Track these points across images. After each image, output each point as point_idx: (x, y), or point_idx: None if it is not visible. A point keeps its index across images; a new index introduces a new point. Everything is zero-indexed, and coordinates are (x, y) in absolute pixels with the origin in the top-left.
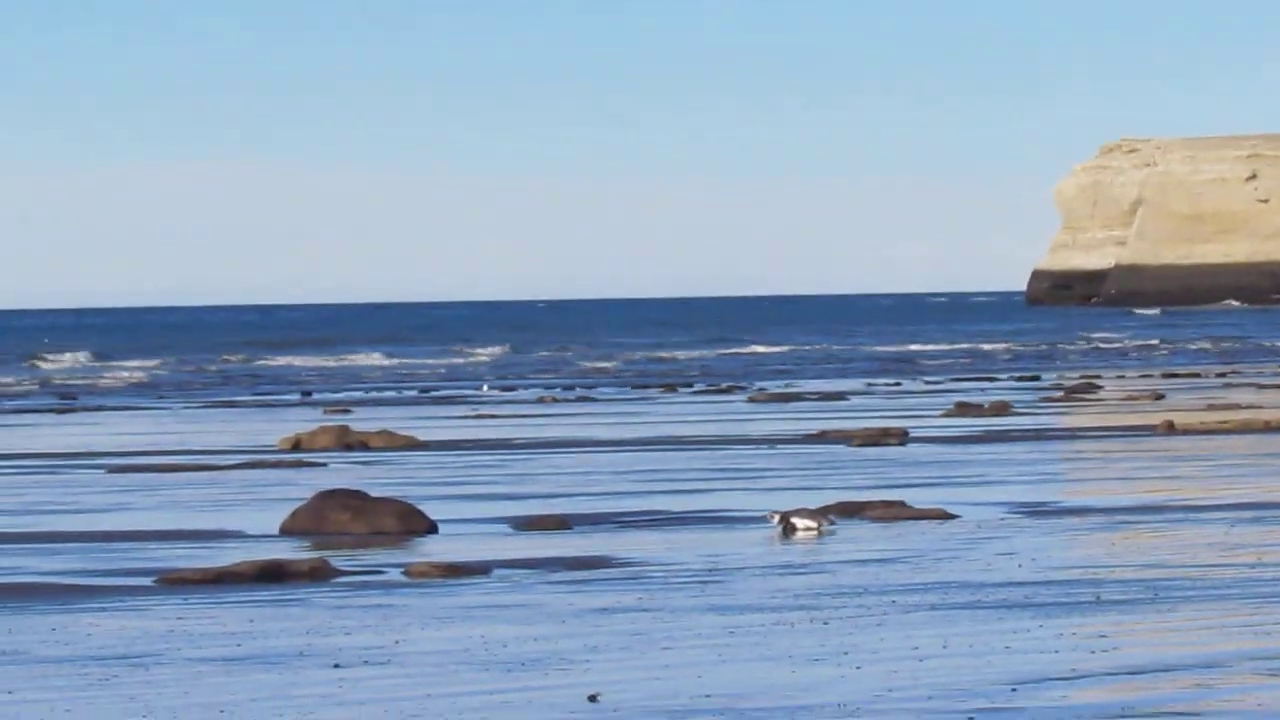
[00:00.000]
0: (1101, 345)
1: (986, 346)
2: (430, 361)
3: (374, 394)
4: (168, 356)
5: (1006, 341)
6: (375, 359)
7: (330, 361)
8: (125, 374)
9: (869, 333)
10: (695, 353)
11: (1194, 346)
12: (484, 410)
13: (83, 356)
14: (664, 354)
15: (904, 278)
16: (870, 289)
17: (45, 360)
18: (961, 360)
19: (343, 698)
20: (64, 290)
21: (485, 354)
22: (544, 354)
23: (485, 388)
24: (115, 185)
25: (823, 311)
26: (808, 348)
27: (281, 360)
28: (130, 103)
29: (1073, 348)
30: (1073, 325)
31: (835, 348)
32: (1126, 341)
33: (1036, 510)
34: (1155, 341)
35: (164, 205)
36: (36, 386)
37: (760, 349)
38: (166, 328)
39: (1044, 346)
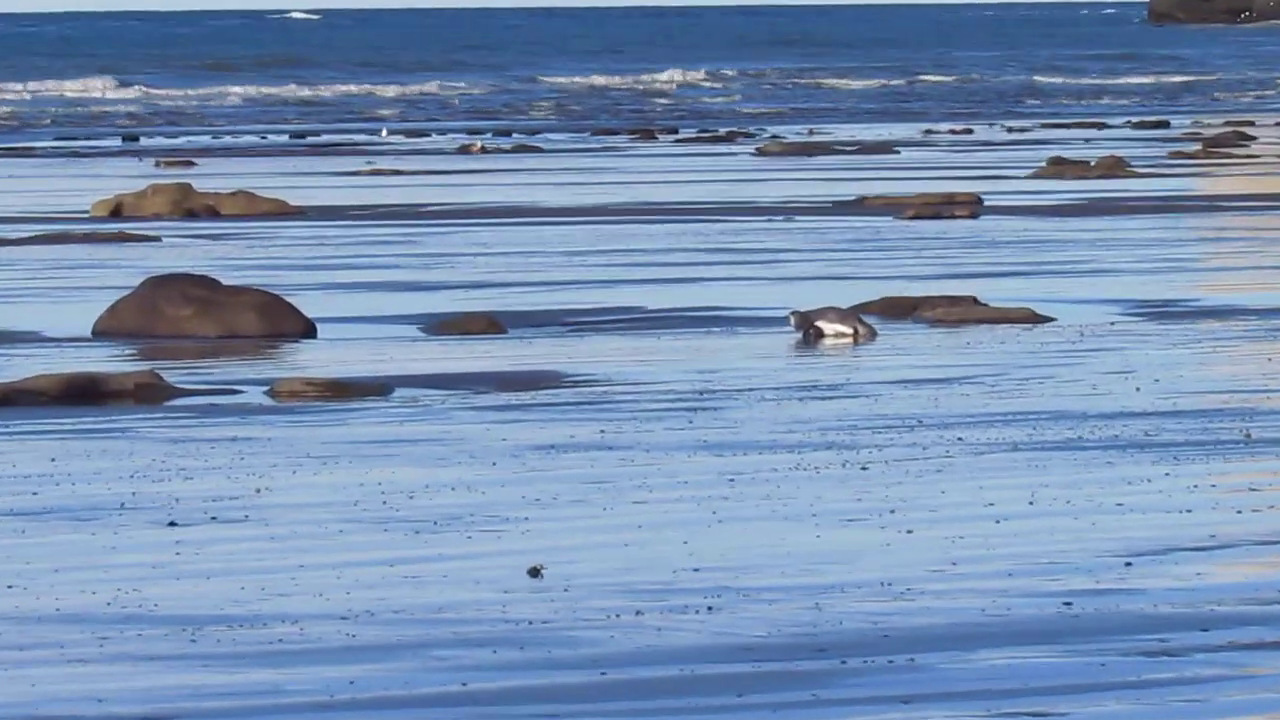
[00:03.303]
0: None
1: (1097, 81)
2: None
3: (226, 140)
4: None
5: (1122, 75)
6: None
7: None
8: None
9: (928, 57)
10: (677, 76)
11: None
12: (382, 164)
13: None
14: (633, 81)
15: None
16: None
17: None
18: (1058, 97)
19: (180, 568)
20: None
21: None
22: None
23: (385, 132)
24: None
25: (855, 26)
26: (835, 79)
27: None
28: None
29: (1214, 79)
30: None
31: (874, 78)
32: None
33: (1162, 311)
34: None
35: None
36: None
37: (771, 71)
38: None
39: (1178, 79)
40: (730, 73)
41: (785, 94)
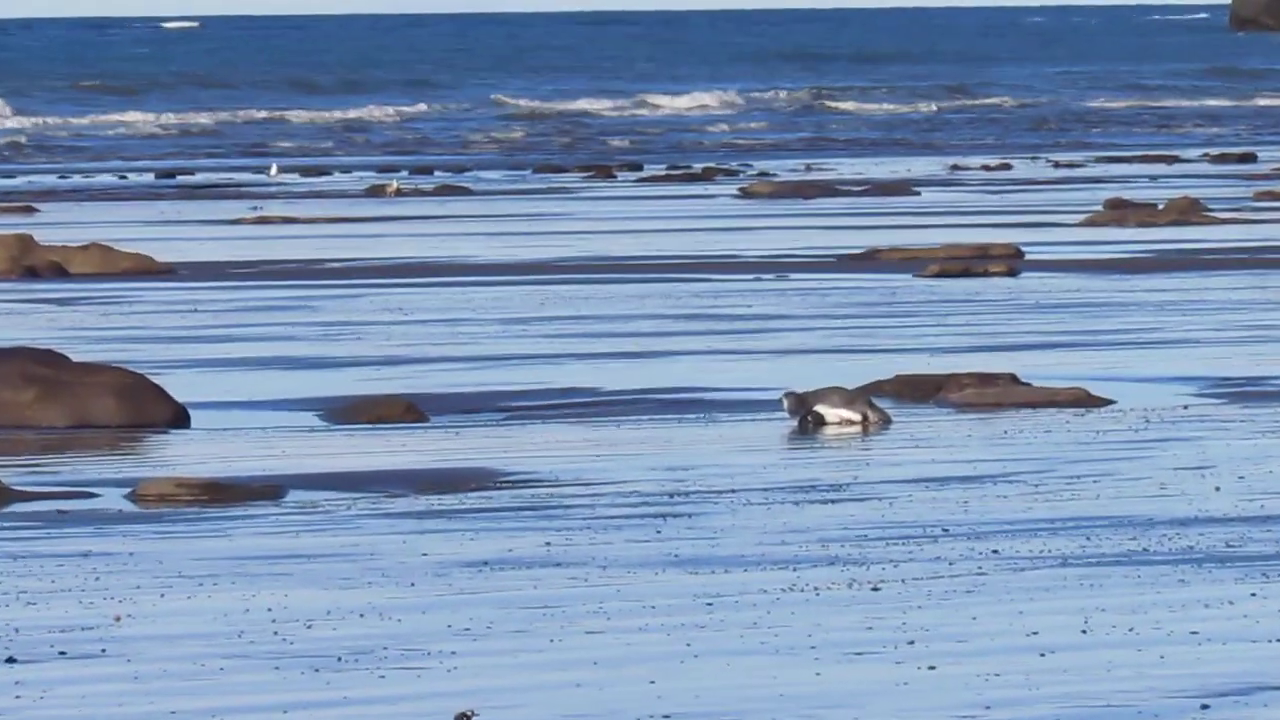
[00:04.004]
0: None
1: (1167, 103)
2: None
3: (76, 180)
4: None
5: (1198, 96)
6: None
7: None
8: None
9: (958, 73)
10: (642, 106)
11: None
12: (271, 210)
13: None
14: (589, 107)
15: None
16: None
17: None
18: (1124, 124)
19: (21, 715)
20: None
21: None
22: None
23: (274, 169)
24: None
25: (866, 37)
26: (844, 103)
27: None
28: None
29: None
30: None
31: (898, 100)
32: None
33: (1246, 391)
34: None
35: None
36: None
37: (758, 96)
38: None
39: (1266, 101)
40: (763, 95)
41: (781, 120)
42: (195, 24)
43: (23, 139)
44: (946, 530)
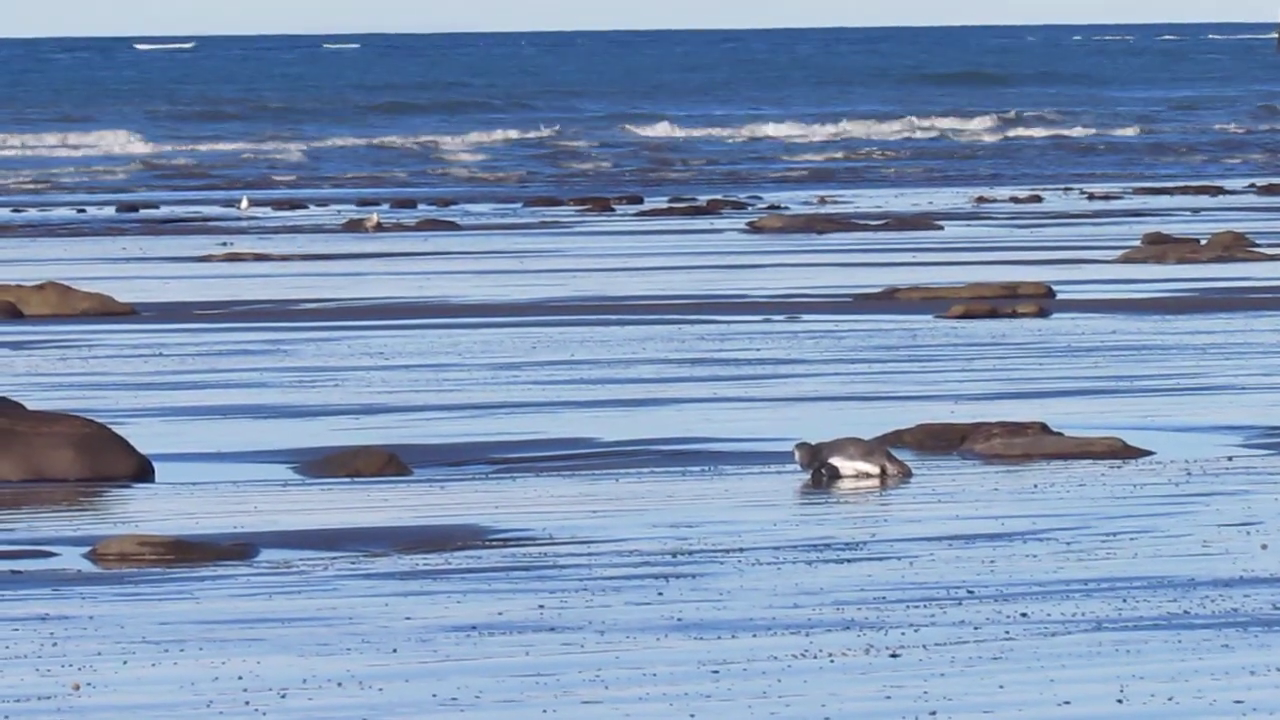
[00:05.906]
0: None
1: (1217, 125)
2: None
3: (31, 215)
4: None
5: (1245, 121)
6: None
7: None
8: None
9: (981, 98)
10: (648, 131)
11: None
12: (243, 247)
13: None
14: (586, 130)
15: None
16: (1000, 18)
17: None
18: (1158, 153)
19: None
20: None
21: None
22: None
23: (245, 203)
24: None
25: (897, 58)
26: (864, 127)
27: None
28: None
29: None
30: None
31: (917, 129)
32: None
33: None
34: None
35: None
36: None
37: (772, 129)
38: None
39: None
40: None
41: (749, 145)
42: (189, 45)
43: None
44: (971, 592)
